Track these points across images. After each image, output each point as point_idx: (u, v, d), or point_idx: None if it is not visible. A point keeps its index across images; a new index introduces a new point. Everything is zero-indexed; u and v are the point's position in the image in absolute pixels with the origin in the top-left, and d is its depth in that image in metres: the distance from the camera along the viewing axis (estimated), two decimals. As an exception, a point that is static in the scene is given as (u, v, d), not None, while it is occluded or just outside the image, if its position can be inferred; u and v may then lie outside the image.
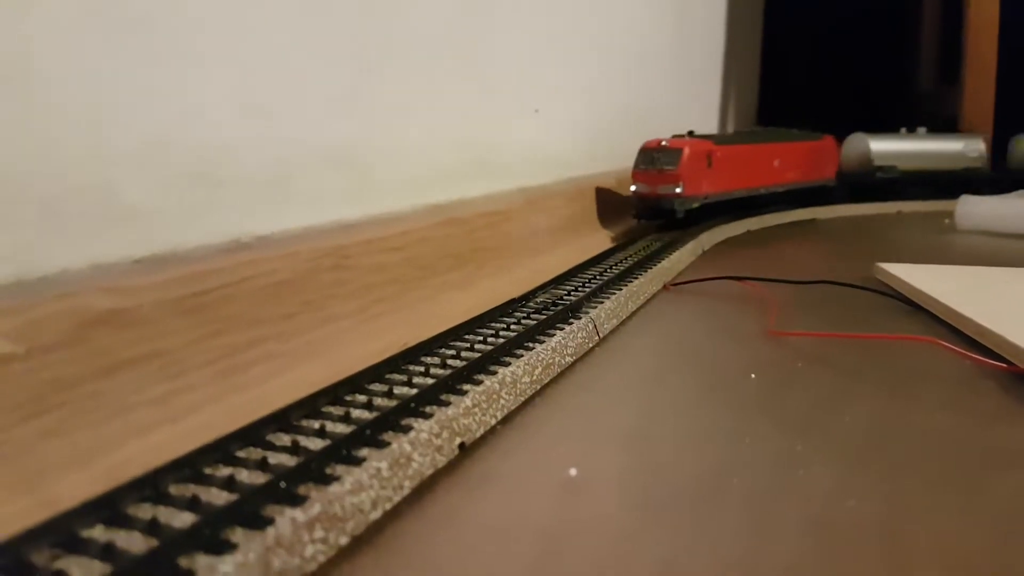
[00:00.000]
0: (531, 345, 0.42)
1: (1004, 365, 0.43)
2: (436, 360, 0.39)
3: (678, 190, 0.81)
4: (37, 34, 0.36)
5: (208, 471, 0.27)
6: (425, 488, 0.29)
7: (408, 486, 0.29)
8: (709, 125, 1.56)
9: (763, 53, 1.99)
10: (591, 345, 0.48)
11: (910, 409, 0.38)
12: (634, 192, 0.85)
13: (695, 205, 0.84)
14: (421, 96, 0.66)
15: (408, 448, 0.29)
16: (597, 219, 0.94)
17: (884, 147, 1.27)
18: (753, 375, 0.43)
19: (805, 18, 1.97)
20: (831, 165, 1.18)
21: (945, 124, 1.51)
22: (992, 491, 0.30)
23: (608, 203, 0.97)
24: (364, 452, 0.29)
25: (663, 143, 0.84)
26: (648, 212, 0.85)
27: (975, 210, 1.01)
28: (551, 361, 0.42)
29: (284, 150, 0.51)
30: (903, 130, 1.33)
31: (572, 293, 0.54)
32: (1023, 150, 1.36)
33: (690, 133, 0.88)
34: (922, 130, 1.32)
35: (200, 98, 0.45)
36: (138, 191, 0.42)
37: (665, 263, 0.68)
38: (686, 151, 0.82)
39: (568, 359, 0.44)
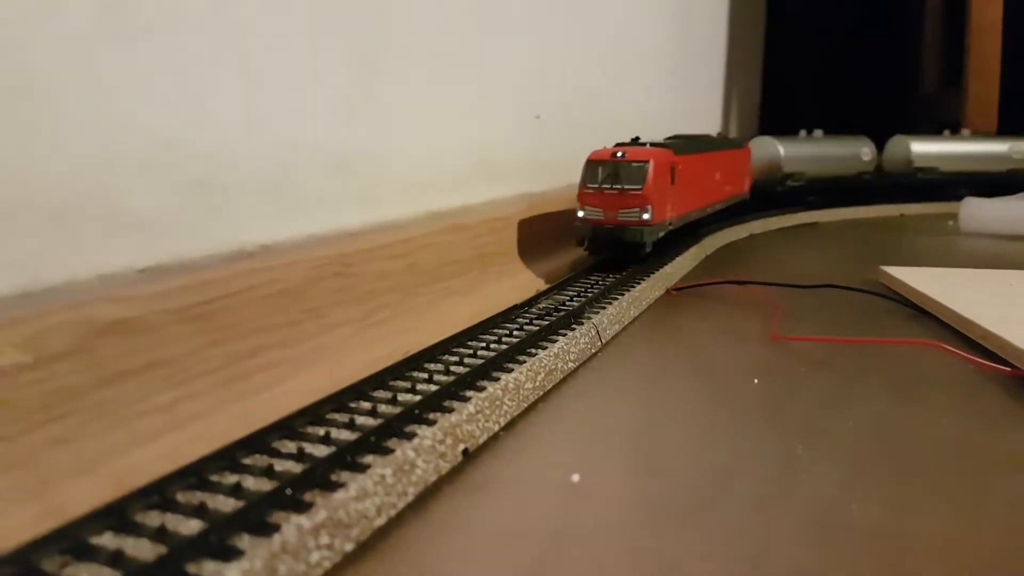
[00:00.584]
0: (534, 351, 0.42)
1: (1008, 369, 0.43)
2: (439, 367, 0.39)
3: (646, 216, 0.62)
4: (44, 43, 0.36)
5: (215, 478, 0.27)
6: (429, 494, 0.30)
7: (412, 492, 0.29)
8: (712, 129, 1.56)
9: (765, 55, 1.99)
10: (593, 351, 0.48)
11: (913, 413, 0.38)
12: (583, 219, 0.65)
13: (661, 235, 0.67)
14: (423, 101, 0.66)
15: (412, 455, 0.29)
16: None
17: (793, 152, 1.14)
18: (756, 380, 0.43)
19: (807, 20, 1.97)
20: (748, 176, 1.04)
21: (952, 126, 1.50)
22: (996, 495, 0.30)
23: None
24: (369, 459, 0.29)
25: (619, 154, 0.64)
26: (603, 244, 0.65)
27: (979, 212, 1.01)
28: (554, 367, 0.42)
29: (287, 156, 0.52)
30: (802, 133, 1.22)
31: (574, 299, 0.54)
32: (895, 151, 1.27)
33: (635, 140, 0.70)
34: (819, 132, 1.22)
35: (204, 105, 0.45)
36: (143, 198, 0.42)
37: (668, 268, 0.68)
38: (652, 165, 0.63)
39: (571, 365, 0.44)
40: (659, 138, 0.76)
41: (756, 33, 1.94)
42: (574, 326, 0.48)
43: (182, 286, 0.40)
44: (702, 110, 1.54)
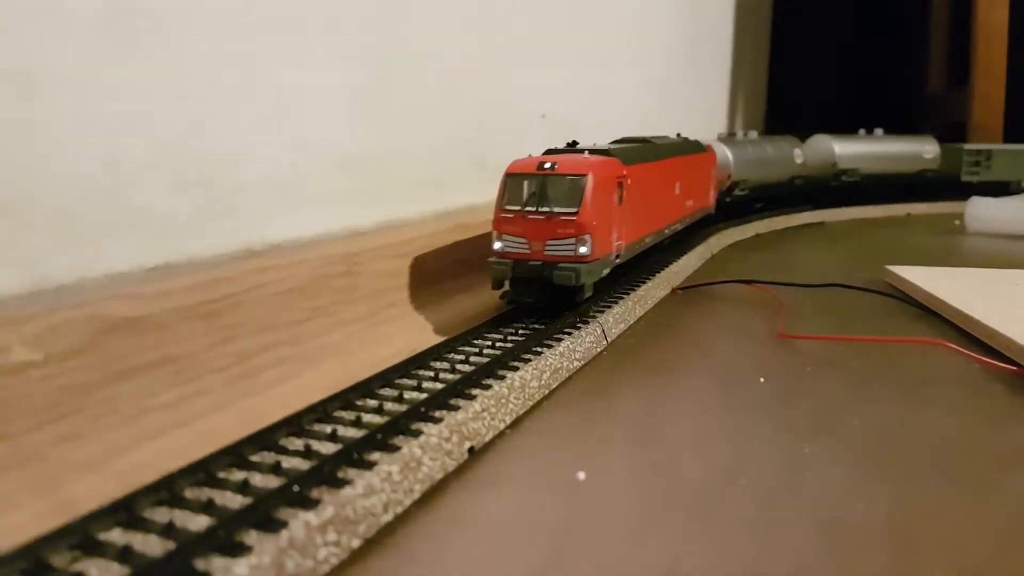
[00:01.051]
0: (539, 350, 0.42)
1: (1014, 368, 0.43)
2: (445, 365, 0.39)
3: (583, 249, 0.46)
4: (52, 40, 0.37)
5: (222, 475, 0.27)
6: (435, 491, 0.30)
7: (419, 489, 0.29)
8: (717, 129, 1.56)
9: (772, 56, 1.99)
10: (599, 350, 0.48)
11: (919, 412, 0.38)
12: (501, 253, 0.48)
13: (605, 272, 0.50)
14: (429, 100, 0.66)
15: (418, 452, 0.30)
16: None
17: (740, 156, 0.99)
18: (762, 378, 0.43)
19: (814, 20, 1.97)
20: (714, 186, 0.88)
21: (959, 127, 1.49)
22: (1002, 493, 0.30)
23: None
24: (375, 456, 0.29)
25: (547, 165, 0.47)
26: (525, 286, 0.48)
27: (984, 212, 1.00)
28: (559, 366, 0.42)
29: (295, 155, 0.52)
30: (740, 134, 1.10)
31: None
32: (817, 152, 1.15)
33: (572, 144, 0.54)
34: (753, 133, 1.11)
35: (211, 104, 0.45)
36: (151, 197, 0.42)
37: (674, 267, 0.68)
38: (591, 179, 0.46)
39: (576, 363, 0.44)
40: (606, 143, 0.60)
41: (762, 34, 1.94)
42: (580, 325, 0.48)
43: (191, 284, 0.40)
44: (709, 109, 1.54)
